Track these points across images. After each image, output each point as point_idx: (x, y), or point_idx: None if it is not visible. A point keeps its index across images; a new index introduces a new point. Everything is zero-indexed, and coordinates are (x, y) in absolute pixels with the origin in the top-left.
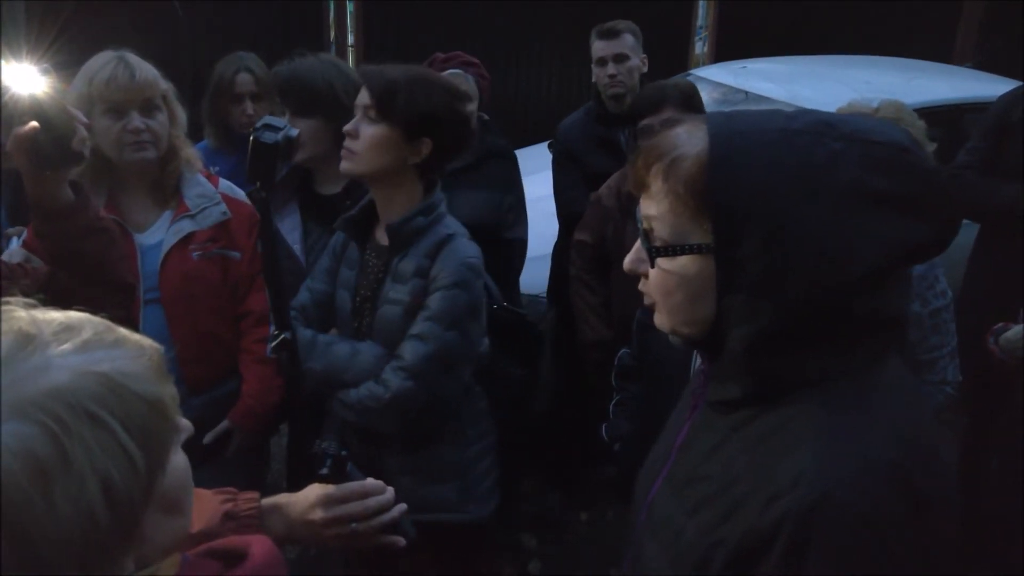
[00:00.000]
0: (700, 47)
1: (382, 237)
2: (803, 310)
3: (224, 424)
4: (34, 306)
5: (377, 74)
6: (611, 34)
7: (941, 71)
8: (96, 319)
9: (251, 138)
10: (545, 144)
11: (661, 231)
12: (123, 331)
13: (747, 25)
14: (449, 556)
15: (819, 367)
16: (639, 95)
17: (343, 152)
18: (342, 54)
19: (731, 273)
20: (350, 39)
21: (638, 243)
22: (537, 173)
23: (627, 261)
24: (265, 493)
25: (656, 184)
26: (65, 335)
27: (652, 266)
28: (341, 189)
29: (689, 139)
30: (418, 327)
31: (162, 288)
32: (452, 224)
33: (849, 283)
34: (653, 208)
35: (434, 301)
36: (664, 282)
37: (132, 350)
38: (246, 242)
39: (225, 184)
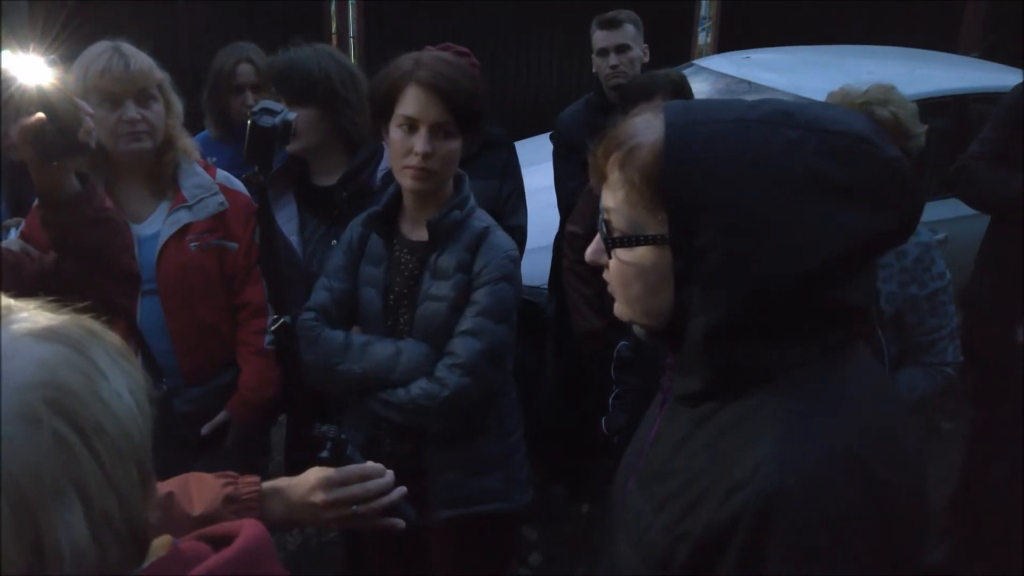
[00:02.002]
0: (703, 37)
1: (410, 232)
2: (761, 300)
3: (222, 415)
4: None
5: (455, 88)
6: (612, 24)
7: (946, 61)
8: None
9: (249, 122)
10: (547, 135)
11: (618, 222)
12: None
13: (750, 16)
14: (488, 547)
15: (780, 357)
16: (630, 84)
17: (414, 173)
18: (343, 46)
19: (688, 264)
20: (351, 31)
21: (598, 235)
22: (539, 164)
23: (588, 252)
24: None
25: (614, 174)
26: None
27: (609, 256)
28: (337, 180)
29: (646, 128)
30: (469, 323)
31: (159, 279)
32: (484, 216)
33: (807, 273)
34: (611, 199)
35: (482, 296)
36: (622, 273)
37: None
38: (243, 233)
39: (222, 175)
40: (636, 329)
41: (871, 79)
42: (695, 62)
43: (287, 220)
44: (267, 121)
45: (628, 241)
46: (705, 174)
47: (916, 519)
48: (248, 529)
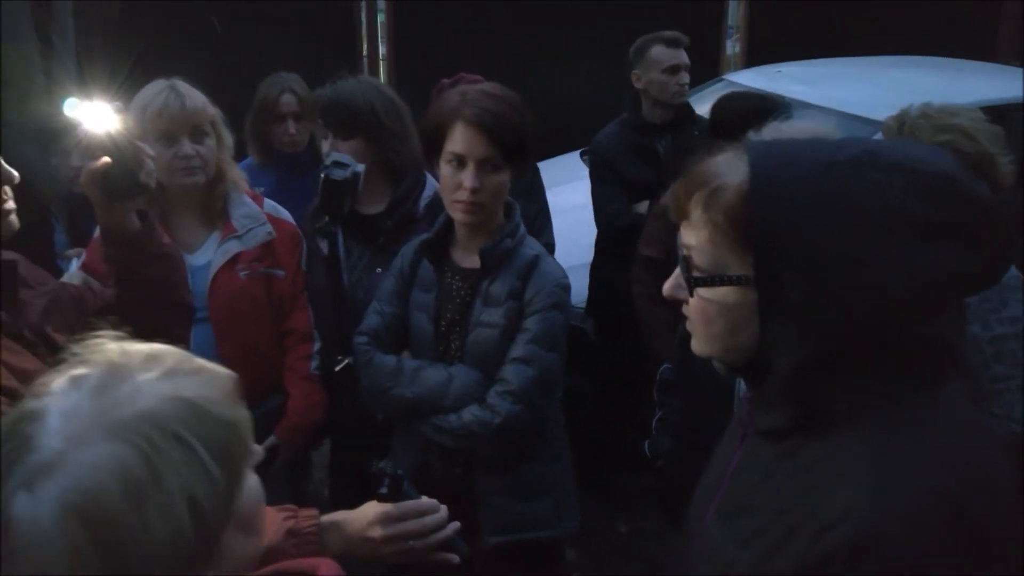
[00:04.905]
0: (731, 47)
1: (462, 259)
2: (847, 339)
3: (271, 439)
4: (122, 338)
5: (501, 123)
6: (679, 43)
7: (985, 71)
8: (176, 349)
9: (322, 175)
10: (577, 153)
11: (700, 260)
12: (200, 360)
13: (779, 24)
14: (535, 572)
15: (867, 395)
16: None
17: (463, 207)
18: (373, 66)
19: (773, 303)
20: (381, 51)
21: (678, 270)
22: (572, 182)
23: (667, 288)
24: (307, 502)
25: (696, 213)
26: (151, 364)
27: (691, 295)
28: (383, 209)
29: (730, 169)
30: (520, 350)
31: (210, 307)
32: (534, 244)
33: (894, 311)
34: (692, 237)
35: (534, 323)
36: (704, 311)
37: (210, 377)
38: (290, 261)
39: (270, 204)
40: (716, 364)
41: (908, 91)
42: (724, 76)
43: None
44: (339, 174)
45: (712, 281)
46: (791, 216)
47: (1012, 556)
48: (324, 569)
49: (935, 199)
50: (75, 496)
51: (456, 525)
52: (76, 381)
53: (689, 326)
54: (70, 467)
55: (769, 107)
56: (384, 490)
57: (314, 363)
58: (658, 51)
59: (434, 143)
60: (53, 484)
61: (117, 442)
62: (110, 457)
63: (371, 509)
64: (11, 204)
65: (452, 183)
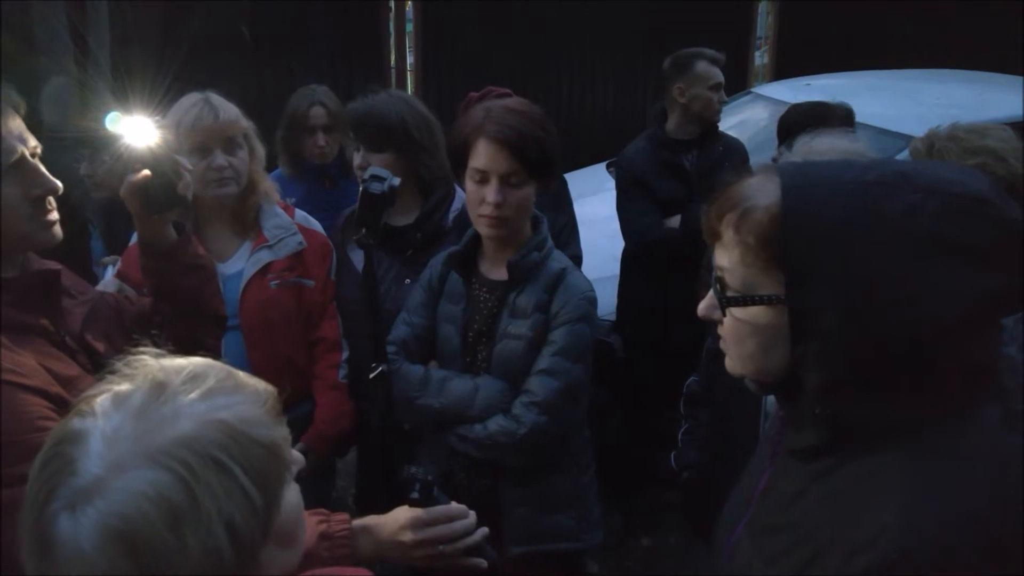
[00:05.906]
0: (759, 58)
1: (489, 271)
2: (879, 360)
3: (299, 446)
4: (162, 355)
5: (523, 139)
6: (719, 61)
7: (1015, 84)
8: (218, 365)
9: (360, 189)
10: (602, 165)
11: (733, 281)
12: (242, 376)
13: (809, 35)
14: None
15: (899, 416)
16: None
17: (488, 221)
18: (401, 76)
19: (804, 324)
20: (409, 61)
21: (712, 291)
22: (598, 193)
23: (701, 308)
24: (331, 508)
25: (728, 234)
26: (192, 384)
27: (724, 315)
28: (413, 221)
29: (761, 190)
30: (546, 362)
31: (241, 316)
32: (561, 257)
33: (926, 333)
34: (725, 258)
35: (560, 336)
36: (737, 330)
37: (250, 395)
38: (319, 270)
39: (300, 215)
40: (748, 383)
41: (937, 104)
42: (752, 89)
43: (361, 259)
44: (377, 188)
45: (743, 301)
46: (823, 237)
47: None
48: None
49: (969, 222)
50: (115, 521)
51: (485, 531)
52: (119, 400)
53: (723, 346)
54: (110, 492)
55: (832, 114)
56: (415, 495)
57: (342, 372)
58: (704, 67)
59: (459, 159)
60: (93, 509)
61: (156, 468)
62: (149, 484)
63: (402, 514)
64: (55, 214)
65: (476, 198)
